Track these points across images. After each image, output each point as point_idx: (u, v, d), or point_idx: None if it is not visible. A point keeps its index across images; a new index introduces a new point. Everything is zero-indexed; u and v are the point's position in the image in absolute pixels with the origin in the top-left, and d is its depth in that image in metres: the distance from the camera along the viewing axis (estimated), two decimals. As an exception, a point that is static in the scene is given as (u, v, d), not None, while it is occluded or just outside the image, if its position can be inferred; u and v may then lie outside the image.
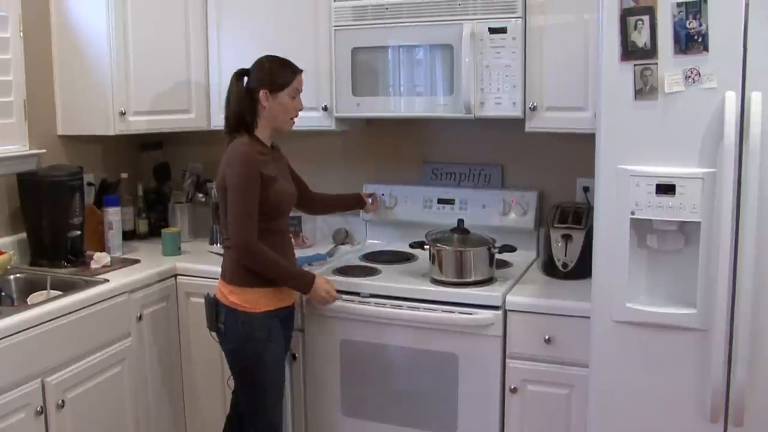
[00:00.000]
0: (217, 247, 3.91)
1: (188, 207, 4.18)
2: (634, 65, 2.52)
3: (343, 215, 4.00)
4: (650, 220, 2.59)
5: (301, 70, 3.07)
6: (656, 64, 2.49)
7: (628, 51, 2.52)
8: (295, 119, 3.10)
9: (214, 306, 3.10)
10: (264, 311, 3.03)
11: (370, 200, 3.79)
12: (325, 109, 3.60)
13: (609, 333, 2.68)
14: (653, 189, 2.54)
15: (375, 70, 3.47)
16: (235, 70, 3.08)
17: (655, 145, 2.53)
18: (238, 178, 2.93)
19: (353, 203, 3.76)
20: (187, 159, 4.30)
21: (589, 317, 2.75)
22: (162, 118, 3.82)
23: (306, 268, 3.47)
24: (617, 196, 2.59)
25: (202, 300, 3.17)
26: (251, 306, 3.02)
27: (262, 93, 3.00)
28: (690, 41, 2.45)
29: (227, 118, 3.08)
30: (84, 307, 3.13)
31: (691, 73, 2.46)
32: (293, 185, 3.21)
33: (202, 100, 3.87)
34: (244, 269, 3.01)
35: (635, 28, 2.50)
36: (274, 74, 3.02)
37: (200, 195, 4.17)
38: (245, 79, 3.05)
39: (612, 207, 2.61)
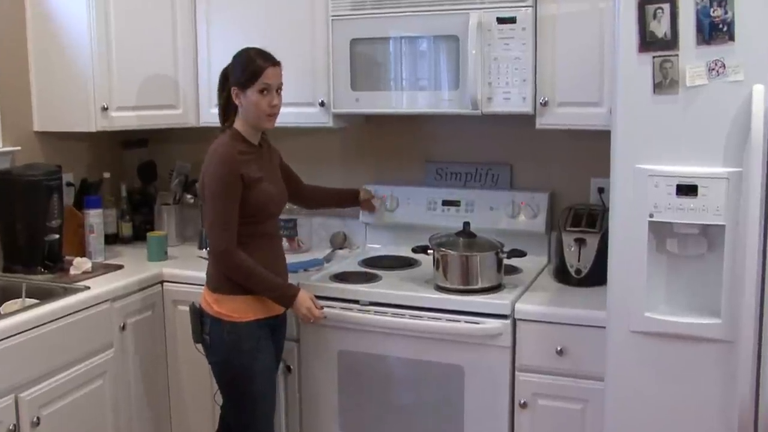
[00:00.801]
0: (206, 252, 3.86)
1: (175, 209, 4.17)
2: (653, 57, 2.50)
3: (342, 218, 4.01)
4: (670, 223, 2.58)
5: (275, 63, 3.02)
6: (677, 55, 2.48)
7: (647, 42, 2.50)
8: (274, 116, 3.06)
9: (198, 316, 3.10)
10: (251, 320, 3.03)
11: (376, 203, 3.81)
12: (321, 104, 3.60)
13: (626, 344, 2.67)
14: (673, 190, 2.53)
15: (375, 63, 3.47)
16: (225, 65, 3.10)
17: (676, 142, 2.52)
18: (214, 181, 2.93)
19: (349, 199, 3.77)
20: (174, 157, 4.29)
21: (604, 327, 2.74)
22: (147, 113, 3.81)
23: (301, 273, 3.48)
24: (635, 197, 2.58)
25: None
26: (237, 315, 3.01)
27: (233, 90, 3.02)
28: (714, 30, 2.43)
29: (220, 117, 3.15)
30: (62, 317, 3.11)
31: (715, 65, 2.44)
32: (282, 185, 3.20)
33: (190, 95, 3.87)
34: (228, 276, 3.01)
35: (654, 16, 2.48)
36: (242, 70, 3.00)
37: (188, 196, 4.16)
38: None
39: (629, 209, 2.60)
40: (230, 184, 2.92)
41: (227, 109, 3.09)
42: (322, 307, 3.18)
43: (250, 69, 2.98)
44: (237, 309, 3.01)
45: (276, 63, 3.03)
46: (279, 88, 3.04)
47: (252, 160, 3.02)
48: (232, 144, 2.99)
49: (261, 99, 3.00)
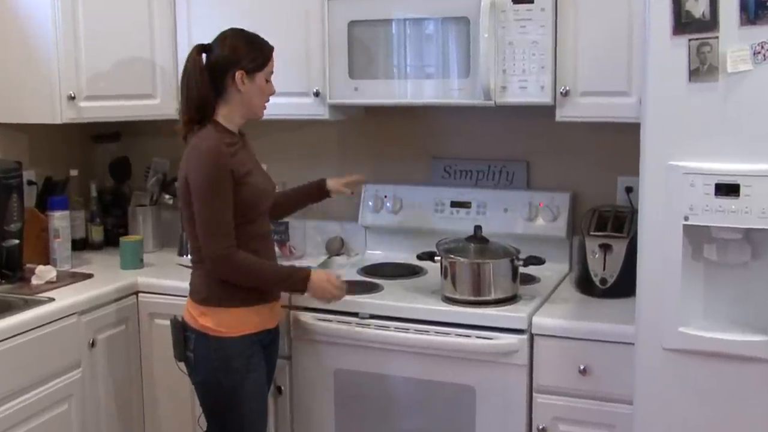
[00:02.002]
0: (187, 259, 3.87)
1: (152, 211, 4.18)
2: (689, 40, 2.49)
3: (339, 221, 4.03)
4: (708, 227, 2.57)
5: (273, 48, 3.08)
6: (716, 38, 2.46)
7: (682, 23, 2.49)
8: (267, 104, 3.12)
9: (181, 331, 3.09)
10: (242, 335, 3.02)
11: (348, 189, 3.56)
12: (316, 94, 3.61)
13: (658, 363, 2.66)
14: (712, 189, 2.52)
15: (376, 49, 3.48)
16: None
17: (715, 136, 2.51)
18: (204, 180, 2.92)
19: (314, 193, 3.56)
20: (150, 153, 4.30)
21: (633, 344, 2.74)
22: (120, 103, 3.80)
23: None
24: (667, 198, 2.58)
25: (169, 323, 3.16)
26: (226, 329, 3.01)
27: (238, 75, 2.98)
28: (761, 8, 2.42)
29: (186, 105, 3.04)
30: (22, 332, 3.10)
31: (762, 47, 2.43)
32: (268, 176, 3.21)
33: (168, 83, 3.87)
34: (217, 285, 3.01)
35: (691, -6, 2.49)
36: (251, 52, 3.01)
37: (167, 196, 4.17)
38: (204, 56, 3.03)
39: (661, 211, 2.60)
40: (221, 181, 2.91)
41: (204, 100, 3.00)
42: (342, 282, 3.17)
43: (263, 51, 3.02)
44: (226, 322, 3.01)
45: (273, 48, 3.08)
46: None
47: (238, 152, 3.02)
48: (218, 137, 2.97)
49: (266, 86, 3.04)
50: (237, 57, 2.99)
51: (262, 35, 3.05)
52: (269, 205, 3.15)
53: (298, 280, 3.07)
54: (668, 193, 2.57)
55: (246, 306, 3.03)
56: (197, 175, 2.93)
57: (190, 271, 3.16)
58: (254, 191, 3.01)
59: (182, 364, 3.12)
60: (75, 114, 3.71)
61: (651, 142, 2.59)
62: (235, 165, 2.95)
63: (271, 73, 3.06)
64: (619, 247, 3.28)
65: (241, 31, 3.05)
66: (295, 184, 3.54)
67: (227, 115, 3.03)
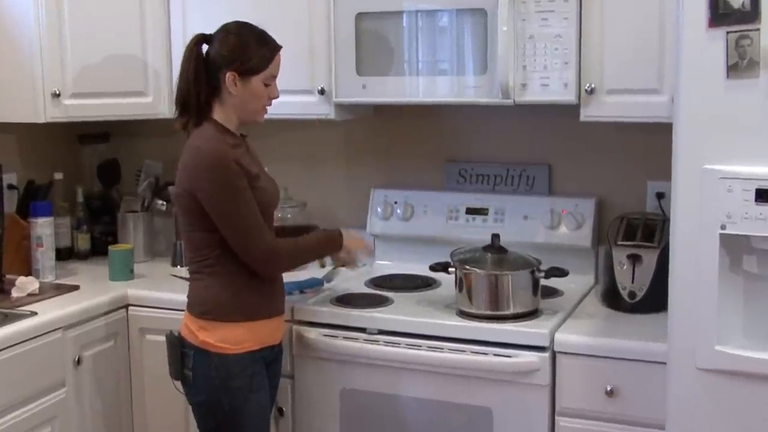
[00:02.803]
0: (181, 270, 3.89)
1: (143, 217, 4.18)
2: (727, 33, 2.48)
3: (345, 228, 3.88)
4: (747, 236, 2.56)
5: (281, 47, 3.06)
6: (758, 30, 2.45)
7: (719, 14, 2.48)
8: (268, 107, 3.10)
9: (178, 347, 3.08)
10: (245, 352, 3.03)
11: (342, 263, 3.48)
12: (321, 92, 3.62)
13: (692, 384, 2.65)
14: (752, 196, 2.51)
15: (386, 43, 3.48)
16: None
17: (755, 137, 2.49)
18: (219, 188, 2.92)
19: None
20: (142, 155, 4.31)
21: (664, 363, 2.73)
22: (109, 101, 3.81)
23: (296, 295, 3.48)
24: (702, 204, 2.57)
25: (163, 339, 3.16)
26: (228, 346, 3.01)
27: (229, 76, 2.97)
28: (806, -2, 2.42)
29: (177, 97, 3.07)
30: (2, 349, 3.10)
31: (807, 41, 2.43)
32: (275, 181, 3.21)
33: (162, 80, 3.88)
34: (219, 298, 3.01)
35: (729, -18, 2.48)
36: (248, 52, 2.99)
37: (159, 202, 4.17)
38: (204, 47, 3.03)
39: (695, 219, 2.58)
40: (237, 181, 2.92)
41: (196, 94, 3.02)
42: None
43: (262, 52, 2.99)
44: (228, 338, 3.00)
45: (281, 47, 3.06)
46: None
47: (243, 154, 3.03)
48: (221, 137, 2.98)
49: (265, 90, 3.03)
50: (231, 56, 2.98)
51: (261, 27, 3.04)
52: (275, 209, 3.17)
53: (335, 237, 3.25)
54: (703, 200, 2.56)
55: (249, 320, 3.03)
56: (209, 186, 2.92)
57: (186, 283, 3.16)
58: (264, 196, 3.02)
59: (179, 383, 3.12)
60: (60, 112, 3.71)
61: (684, 144, 2.58)
62: (245, 165, 2.96)
63: (274, 76, 3.04)
64: (650, 258, 3.27)
65: (245, 26, 3.03)
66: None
67: (224, 116, 3.03)
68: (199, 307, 3.04)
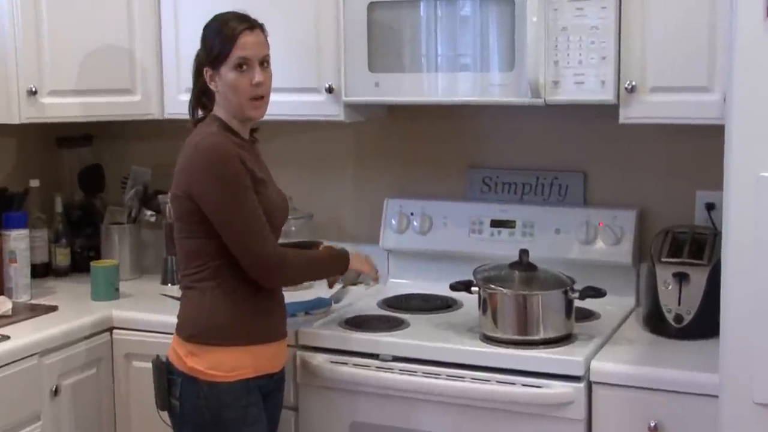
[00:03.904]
0: (173, 289, 3.89)
1: (130, 230, 4.19)
2: (788, 23, 2.49)
3: (355, 243, 3.98)
4: (810, 252, 2.56)
5: (253, 25, 3.04)
6: (822, 20, 2.46)
7: (778, 2, 2.49)
8: (260, 99, 3.07)
9: (165, 374, 3.09)
10: (238, 380, 3.02)
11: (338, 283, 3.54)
12: (329, 90, 3.62)
13: (748, 420, 2.62)
14: (814, 207, 2.51)
15: (401, 35, 3.50)
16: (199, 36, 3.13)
17: (818, 141, 2.50)
18: (219, 187, 2.94)
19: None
20: (128, 160, 4.33)
21: (716, 396, 2.71)
22: (92, 100, 3.83)
23: (301, 317, 3.49)
24: (758, 217, 2.55)
25: (150, 365, 3.16)
26: (219, 373, 3.01)
27: (205, 72, 3.05)
28: None
29: (191, 101, 3.18)
30: (-28, 376, 3.12)
31: None
32: (283, 193, 3.24)
33: (151, 77, 3.90)
34: (212, 318, 3.01)
35: (789, -33, 2.48)
36: (209, 43, 3.05)
37: (148, 212, 4.18)
38: None
39: (750, 233, 2.57)
40: (240, 178, 2.94)
41: (202, 99, 3.12)
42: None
43: (220, 38, 3.01)
44: (220, 364, 3.01)
45: (254, 26, 3.04)
46: (265, 61, 3.06)
47: (248, 158, 3.03)
48: (224, 134, 3.01)
49: (239, 77, 3.01)
50: (202, 52, 3.07)
51: (264, 20, 3.06)
52: (282, 224, 3.19)
53: (340, 257, 3.27)
54: (759, 211, 2.54)
55: (245, 344, 3.03)
56: (208, 182, 2.94)
57: (178, 303, 3.16)
58: (268, 205, 3.02)
59: (165, 414, 3.12)
60: (36, 113, 3.73)
61: (738, 149, 2.56)
62: (249, 166, 2.98)
63: (245, 58, 3.00)
64: (698, 277, 3.26)
65: (217, 15, 3.08)
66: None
67: (226, 117, 3.07)
68: (188, 329, 3.05)
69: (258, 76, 3.02)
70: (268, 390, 3.13)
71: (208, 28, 3.06)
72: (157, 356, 3.12)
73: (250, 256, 2.97)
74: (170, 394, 3.07)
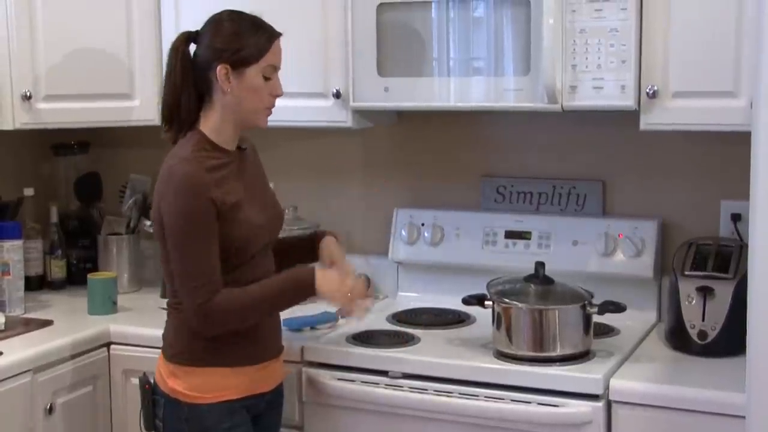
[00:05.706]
0: (167, 303, 3.85)
1: (128, 241, 4.20)
2: (818, 25, 2.49)
3: (363, 255, 4.01)
4: (842, 266, 2.54)
5: (280, 34, 3.04)
6: None
7: (808, 3, 2.48)
8: (272, 109, 3.08)
9: (150, 394, 3.11)
10: (220, 402, 3.02)
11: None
12: (337, 96, 3.62)
13: (777, 441, 2.63)
14: None
15: (412, 38, 3.50)
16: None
17: None
18: (177, 217, 2.93)
19: (303, 252, 3.46)
20: (127, 168, 4.32)
21: (743, 417, 2.68)
22: (89, 105, 3.83)
23: (307, 332, 3.50)
24: (788, 228, 2.55)
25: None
26: (200, 395, 3.01)
27: (220, 69, 2.96)
28: None
29: (166, 108, 3.06)
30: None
31: None
32: (274, 201, 3.22)
33: (150, 81, 3.90)
34: (191, 338, 3.01)
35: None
36: (239, 40, 2.98)
37: (147, 223, 4.13)
38: (192, 46, 3.04)
39: (779, 245, 2.57)
40: (199, 217, 2.91)
41: (186, 104, 3.02)
42: (368, 281, 3.30)
43: (256, 37, 2.97)
44: (200, 386, 3.00)
45: (280, 35, 3.03)
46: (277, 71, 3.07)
47: (226, 177, 3.00)
48: (197, 158, 2.95)
49: (265, 85, 2.99)
50: (223, 47, 2.97)
51: (265, 19, 3.04)
52: (271, 240, 3.14)
53: (306, 286, 3.02)
54: (788, 222, 2.54)
55: (226, 366, 3.02)
56: (170, 210, 2.93)
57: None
58: (243, 230, 2.99)
59: (151, 435, 3.15)
60: (31, 118, 3.73)
61: (765, 157, 2.54)
62: (219, 195, 2.93)
63: (275, 68, 3.02)
64: (724, 292, 3.25)
65: (235, 13, 3.02)
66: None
67: (216, 126, 3.01)
68: (170, 350, 3.06)
69: (281, 88, 3.03)
70: (258, 410, 3.13)
71: (235, 23, 2.98)
72: (144, 374, 3.15)
73: (183, 300, 2.97)
74: (155, 416, 3.08)
